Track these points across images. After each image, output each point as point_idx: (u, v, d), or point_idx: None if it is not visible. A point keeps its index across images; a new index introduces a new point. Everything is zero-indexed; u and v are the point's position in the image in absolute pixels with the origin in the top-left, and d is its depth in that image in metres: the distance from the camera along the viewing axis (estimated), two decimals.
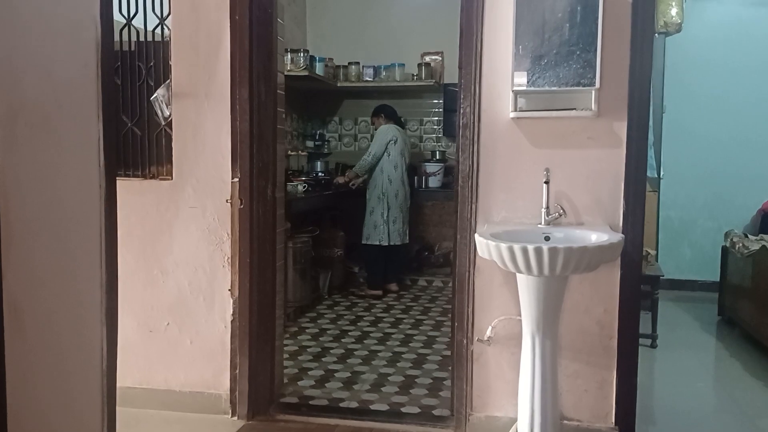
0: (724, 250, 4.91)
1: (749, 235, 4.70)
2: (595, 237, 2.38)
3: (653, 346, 4.12)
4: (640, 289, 2.73)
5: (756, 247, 4.30)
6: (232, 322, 2.97)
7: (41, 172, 1.73)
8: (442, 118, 6.59)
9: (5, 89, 1.58)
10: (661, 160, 5.25)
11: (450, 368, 2.91)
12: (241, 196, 2.92)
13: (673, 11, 3.77)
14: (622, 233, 2.51)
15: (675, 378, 3.77)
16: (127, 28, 3.00)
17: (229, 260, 2.97)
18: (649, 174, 2.82)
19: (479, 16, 2.63)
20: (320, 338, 4.36)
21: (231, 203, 2.94)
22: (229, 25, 2.87)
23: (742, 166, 5.61)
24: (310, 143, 6.59)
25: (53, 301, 1.80)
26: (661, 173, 5.27)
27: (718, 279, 4.98)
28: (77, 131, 1.84)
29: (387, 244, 5.53)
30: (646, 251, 4.04)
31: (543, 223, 2.55)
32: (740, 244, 4.55)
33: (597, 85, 2.50)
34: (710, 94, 5.59)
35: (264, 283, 3.03)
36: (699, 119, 5.64)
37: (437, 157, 6.40)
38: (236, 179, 2.92)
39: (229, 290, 2.97)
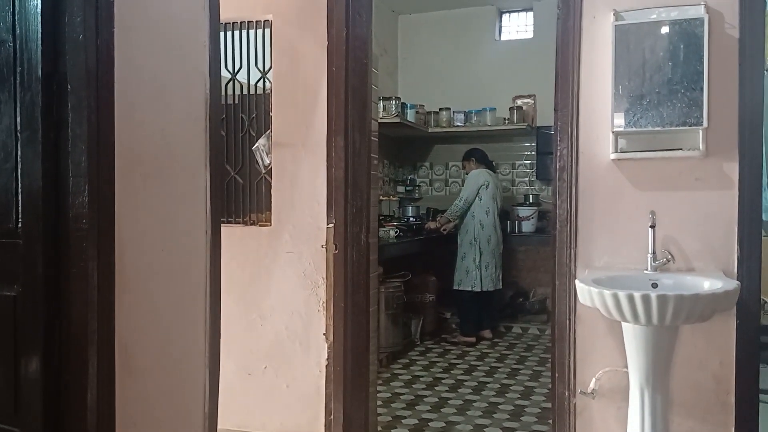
0: None
1: None
2: (708, 284, 2.23)
3: None
4: (759, 341, 2.52)
5: None
6: (327, 366, 2.99)
7: (154, 220, 1.83)
8: (534, 162, 6.49)
9: (124, 144, 1.70)
10: None
11: (550, 421, 2.78)
12: (335, 241, 2.97)
13: None
14: (737, 280, 2.34)
15: None
16: (231, 82, 3.17)
17: (324, 305, 3.00)
18: (764, 218, 2.64)
19: (575, 57, 2.59)
20: (413, 385, 4.30)
21: (326, 249, 2.99)
22: (326, 76, 2.97)
23: None
24: (401, 188, 6.66)
25: (161, 343, 1.87)
26: None
27: None
28: (187, 180, 1.94)
29: (479, 290, 5.43)
30: (764, 300, 3.74)
31: (649, 268, 2.42)
32: None
33: (704, 124, 2.38)
34: None
35: (358, 328, 3.03)
36: None
37: (530, 201, 6.28)
38: (331, 225, 2.98)
39: (324, 335, 3.00)
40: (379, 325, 4.38)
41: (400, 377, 4.50)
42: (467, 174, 5.69)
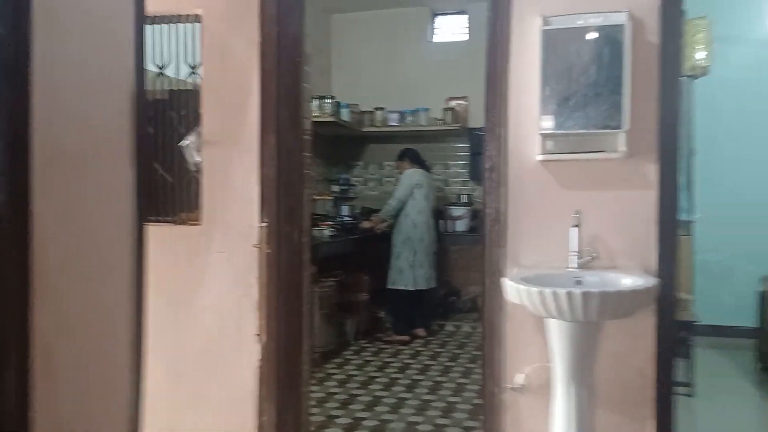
0: (763, 295, 4.77)
1: None
2: (629, 281, 2.32)
3: (690, 394, 3.98)
4: (676, 335, 2.64)
5: None
6: (259, 367, 2.94)
7: (75, 218, 1.75)
8: (468, 162, 6.60)
9: (42, 138, 1.62)
10: (693, 203, 5.15)
11: (481, 417, 2.83)
12: (268, 240, 2.93)
13: (701, 54, 3.76)
14: (658, 277, 2.44)
15: (715, 428, 3.62)
16: (159, 77, 3.08)
17: (257, 304, 2.96)
18: (682, 217, 2.77)
19: (505, 60, 2.65)
20: (347, 384, 4.30)
21: (259, 248, 2.94)
22: (257, 73, 2.93)
23: None
24: (335, 188, 6.64)
25: (84, 345, 1.79)
26: (695, 216, 5.17)
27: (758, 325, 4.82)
28: (111, 178, 1.87)
29: (413, 288, 5.48)
30: (681, 296, 3.93)
31: (575, 266, 2.50)
32: None
33: (626, 127, 2.48)
34: (741, 135, 5.51)
35: (290, 327, 3.00)
36: (731, 161, 5.54)
37: (463, 201, 6.39)
38: (264, 224, 2.93)
39: (257, 335, 2.95)
40: (313, 325, 4.35)
41: (333, 377, 4.49)
42: (401, 174, 5.73)
